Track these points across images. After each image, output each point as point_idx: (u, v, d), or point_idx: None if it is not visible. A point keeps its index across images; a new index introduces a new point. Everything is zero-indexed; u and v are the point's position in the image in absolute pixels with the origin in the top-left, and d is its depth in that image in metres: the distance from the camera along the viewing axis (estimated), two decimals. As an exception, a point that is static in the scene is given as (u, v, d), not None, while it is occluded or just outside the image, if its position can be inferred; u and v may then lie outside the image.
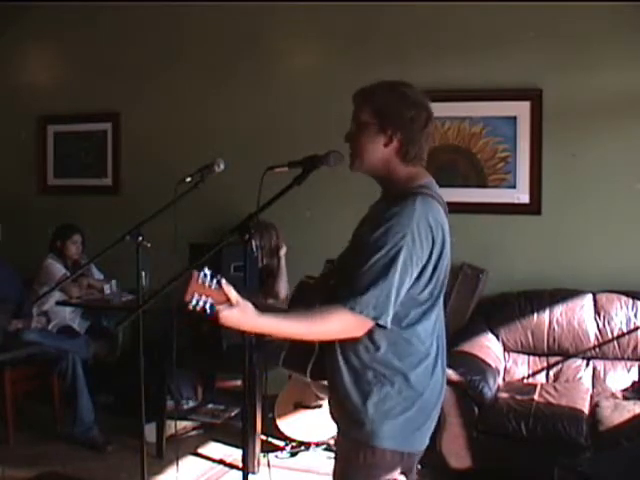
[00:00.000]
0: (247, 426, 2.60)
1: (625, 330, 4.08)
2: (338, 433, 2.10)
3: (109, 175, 5.50)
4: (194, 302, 1.67)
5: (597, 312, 4.14)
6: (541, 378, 4.18)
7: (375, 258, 1.84)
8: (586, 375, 4.10)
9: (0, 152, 5.77)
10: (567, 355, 4.18)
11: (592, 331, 4.12)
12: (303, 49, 5.07)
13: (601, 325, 4.12)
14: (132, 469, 3.55)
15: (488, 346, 4.17)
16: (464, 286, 4.41)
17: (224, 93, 5.10)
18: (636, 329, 4.06)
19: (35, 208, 5.62)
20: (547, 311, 4.20)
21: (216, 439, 4.36)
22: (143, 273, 3.19)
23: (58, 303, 4.70)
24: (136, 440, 3.13)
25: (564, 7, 4.33)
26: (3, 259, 4.80)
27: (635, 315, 4.08)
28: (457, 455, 3.66)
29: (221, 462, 4.08)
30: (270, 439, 4.16)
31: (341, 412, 2.02)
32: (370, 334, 1.89)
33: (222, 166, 2.87)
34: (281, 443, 4.19)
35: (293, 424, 4.08)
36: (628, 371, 4.07)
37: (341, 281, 1.92)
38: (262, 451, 3.95)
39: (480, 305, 4.42)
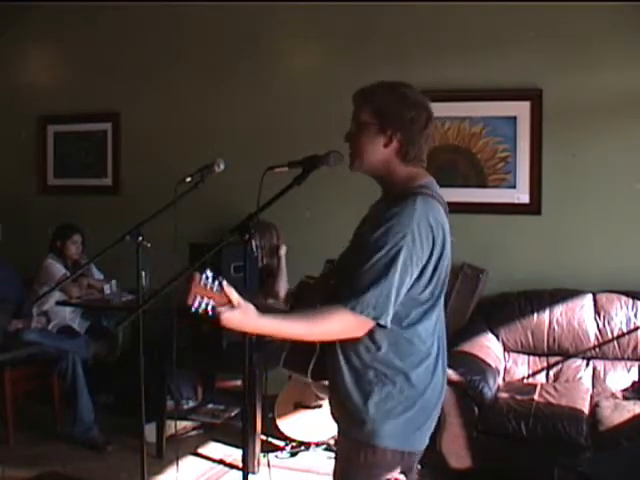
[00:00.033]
0: (247, 426, 2.60)
1: (625, 330, 4.08)
2: (339, 433, 2.10)
3: (109, 175, 5.50)
4: (196, 304, 1.67)
5: (597, 312, 4.14)
6: (541, 378, 4.18)
7: (375, 258, 1.84)
8: (586, 375, 4.10)
9: (0, 152, 5.77)
10: (567, 355, 4.18)
11: (592, 331, 4.12)
12: (303, 49, 5.07)
13: (601, 325, 4.12)
14: (132, 469, 3.55)
15: (488, 346, 4.17)
16: (464, 286, 4.41)
17: (224, 93, 5.10)
18: (636, 329, 4.06)
19: (35, 208, 5.62)
20: (547, 311, 4.20)
21: (216, 439, 4.35)
22: (143, 273, 3.19)
23: (58, 303, 4.69)
24: (136, 440, 3.13)
25: (564, 7, 4.33)
26: (3, 259, 4.80)
27: (635, 315, 4.08)
28: (457, 455, 3.66)
29: (221, 462, 4.08)
30: (270, 439, 4.16)
31: (342, 412, 2.02)
32: (371, 334, 1.90)
33: (222, 166, 2.87)
34: (281, 443, 4.19)
35: (293, 424, 4.08)
36: (628, 371, 4.07)
37: (341, 281, 1.92)
38: (262, 451, 3.95)
39: (480, 305, 4.42)
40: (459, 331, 4.23)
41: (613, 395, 3.93)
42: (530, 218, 4.49)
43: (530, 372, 4.22)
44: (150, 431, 3.88)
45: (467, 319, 4.37)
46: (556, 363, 4.19)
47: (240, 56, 5.04)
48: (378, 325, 1.86)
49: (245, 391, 2.41)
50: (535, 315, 4.21)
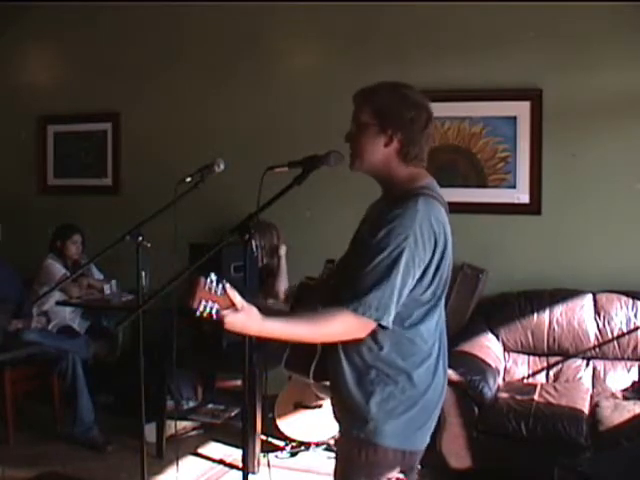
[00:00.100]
0: (247, 426, 2.60)
1: (625, 330, 4.08)
2: (340, 433, 2.10)
3: (109, 175, 5.50)
4: (201, 308, 1.68)
5: (597, 312, 4.14)
6: (541, 378, 4.18)
7: (378, 259, 1.84)
8: (586, 375, 4.10)
9: (0, 152, 5.77)
10: (567, 355, 4.18)
11: (592, 331, 4.12)
12: (303, 49, 5.07)
13: (601, 325, 4.12)
14: (132, 469, 3.54)
15: (488, 346, 4.17)
16: (464, 286, 4.41)
17: (224, 93, 5.10)
18: (636, 329, 4.06)
19: (35, 208, 5.62)
20: (547, 311, 4.20)
21: (216, 439, 4.36)
22: (143, 273, 3.19)
23: (58, 303, 4.69)
24: (136, 440, 3.12)
25: (564, 7, 4.33)
26: (3, 259, 4.80)
27: (635, 315, 4.08)
28: (457, 455, 3.66)
29: (221, 462, 4.08)
30: (270, 439, 4.16)
31: (344, 411, 2.02)
32: (373, 334, 1.90)
33: (222, 166, 2.87)
34: (281, 443, 4.19)
35: (293, 424, 4.08)
36: (628, 371, 4.07)
37: (343, 282, 1.92)
38: (262, 451, 3.95)
39: (480, 305, 4.42)
40: (459, 331, 4.22)
41: (613, 395, 3.93)
42: (530, 218, 4.49)
43: (530, 372, 4.22)
44: (150, 431, 3.88)
45: (467, 319, 4.37)
46: (556, 363, 4.19)
47: (240, 56, 5.04)
48: (380, 326, 1.86)
49: (245, 391, 2.41)
50: (535, 315, 4.21)
